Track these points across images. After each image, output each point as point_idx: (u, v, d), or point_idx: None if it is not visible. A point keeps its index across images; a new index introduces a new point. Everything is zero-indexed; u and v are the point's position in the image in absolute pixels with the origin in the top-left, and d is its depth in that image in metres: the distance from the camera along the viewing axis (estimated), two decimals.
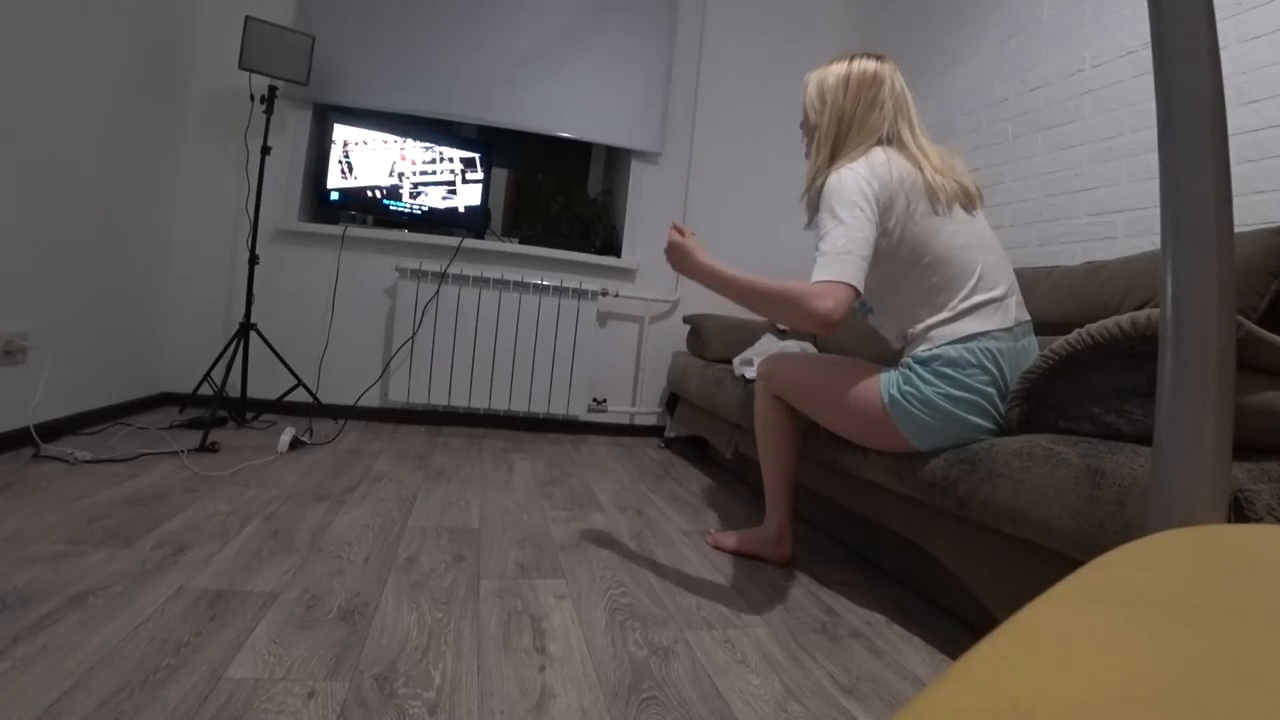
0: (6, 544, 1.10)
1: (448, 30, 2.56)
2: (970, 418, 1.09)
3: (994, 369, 1.09)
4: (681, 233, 1.23)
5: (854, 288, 1.06)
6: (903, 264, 1.15)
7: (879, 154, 1.17)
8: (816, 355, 1.36)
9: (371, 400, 2.57)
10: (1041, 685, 0.12)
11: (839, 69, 1.24)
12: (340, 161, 2.47)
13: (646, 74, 2.75)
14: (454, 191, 2.64)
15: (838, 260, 1.07)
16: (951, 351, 1.10)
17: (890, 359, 1.26)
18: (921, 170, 1.16)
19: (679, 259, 1.22)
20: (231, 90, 2.36)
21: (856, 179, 1.12)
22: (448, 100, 2.56)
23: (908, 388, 1.12)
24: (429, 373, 2.51)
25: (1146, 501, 0.62)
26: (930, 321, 1.15)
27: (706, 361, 2.39)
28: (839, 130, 1.21)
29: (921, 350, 1.14)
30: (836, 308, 1.03)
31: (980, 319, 1.12)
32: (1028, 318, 1.19)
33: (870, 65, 1.22)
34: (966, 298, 1.13)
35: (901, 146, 1.20)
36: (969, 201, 1.20)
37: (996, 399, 1.09)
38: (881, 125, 1.20)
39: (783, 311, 1.11)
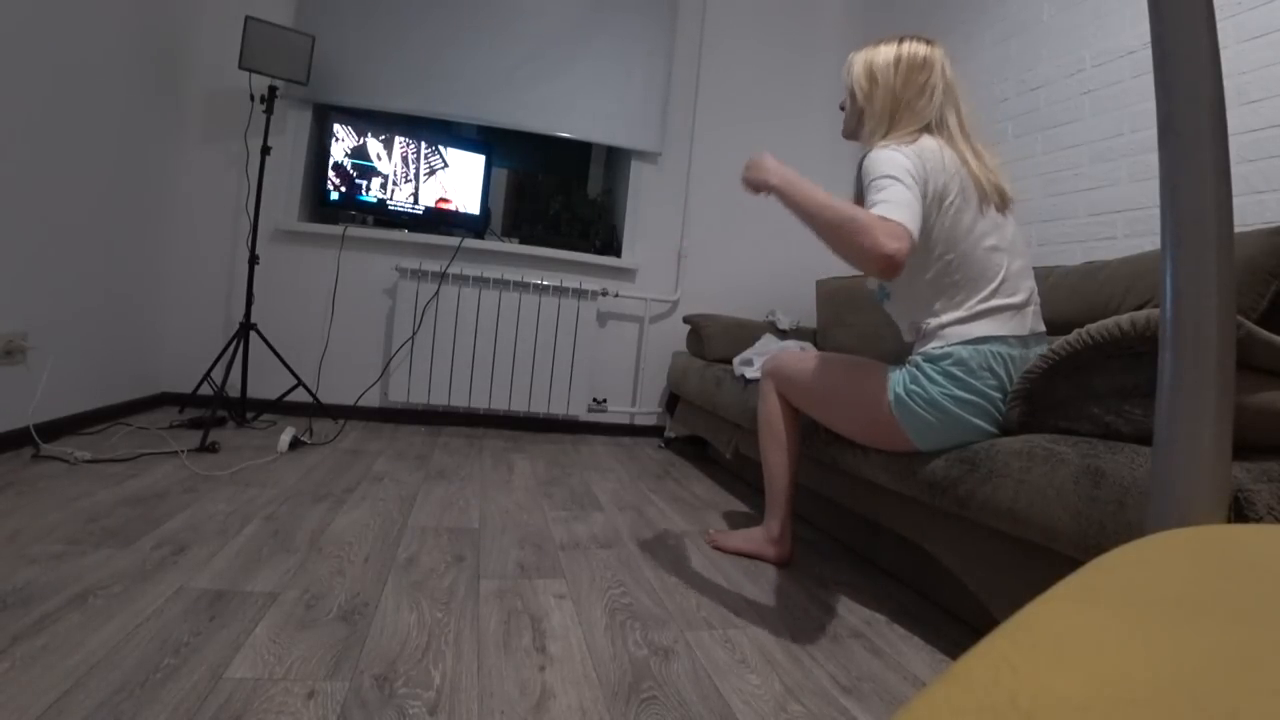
0: (6, 544, 1.10)
1: (448, 30, 2.55)
2: (974, 419, 1.08)
3: (1003, 374, 1.08)
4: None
5: (914, 239, 0.99)
6: (929, 255, 1.12)
7: (929, 141, 1.12)
8: (824, 354, 1.34)
9: (371, 400, 2.57)
10: (1041, 685, 0.12)
11: (888, 50, 1.19)
12: (340, 161, 2.47)
13: (646, 74, 2.75)
14: (454, 192, 2.64)
15: (905, 208, 0.99)
16: (962, 352, 1.09)
17: (892, 358, 1.26)
18: (967, 164, 1.13)
19: (755, 172, 1.12)
20: (231, 90, 2.36)
21: (901, 156, 1.07)
22: (448, 100, 2.56)
23: (913, 387, 1.12)
24: (429, 373, 2.51)
25: (1146, 501, 0.62)
26: (944, 319, 1.13)
27: (706, 361, 2.39)
28: (892, 111, 1.17)
29: (932, 347, 1.13)
30: (902, 249, 0.95)
31: (995, 323, 1.10)
32: (1043, 329, 1.17)
33: (921, 49, 1.17)
34: (985, 300, 1.11)
35: (949, 136, 1.15)
36: (1003, 202, 1.16)
37: (1000, 403, 1.09)
38: (929, 112, 1.15)
39: (846, 239, 0.98)
